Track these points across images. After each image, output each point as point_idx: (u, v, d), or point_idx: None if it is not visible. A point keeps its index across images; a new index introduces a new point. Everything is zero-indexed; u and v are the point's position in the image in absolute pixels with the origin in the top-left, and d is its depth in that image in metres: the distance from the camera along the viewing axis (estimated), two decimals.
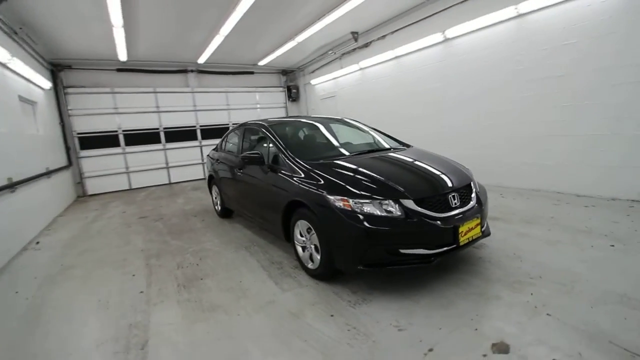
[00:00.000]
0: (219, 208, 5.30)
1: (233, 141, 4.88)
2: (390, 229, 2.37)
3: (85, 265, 3.80)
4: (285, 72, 11.49)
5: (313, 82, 10.54)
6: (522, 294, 2.42)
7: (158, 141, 9.70)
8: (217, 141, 10.78)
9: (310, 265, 2.95)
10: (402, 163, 3.07)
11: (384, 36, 7.50)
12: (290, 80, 11.68)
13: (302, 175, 2.97)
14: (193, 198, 7.37)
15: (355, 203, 2.46)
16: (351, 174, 2.78)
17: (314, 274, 2.91)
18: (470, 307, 2.32)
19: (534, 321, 2.10)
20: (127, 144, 9.26)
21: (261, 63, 9.91)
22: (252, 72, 10.87)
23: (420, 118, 7.02)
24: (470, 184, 2.87)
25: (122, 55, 7.77)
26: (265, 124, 3.91)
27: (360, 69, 8.43)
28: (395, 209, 2.42)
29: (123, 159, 9.27)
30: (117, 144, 9.15)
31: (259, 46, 8.36)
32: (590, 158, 4.50)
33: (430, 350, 1.93)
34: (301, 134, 4.15)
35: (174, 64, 9.40)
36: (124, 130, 9.17)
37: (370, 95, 8.30)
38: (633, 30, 3.91)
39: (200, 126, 10.25)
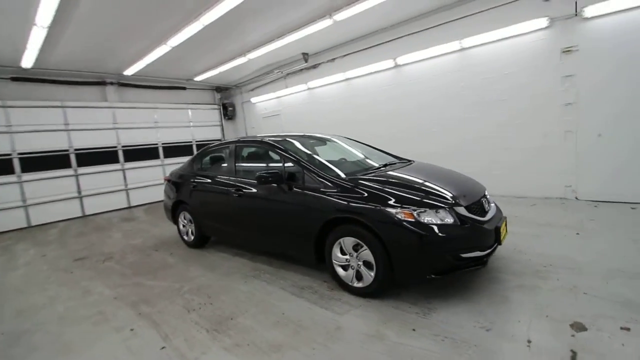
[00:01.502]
0: (192, 237, 4.64)
1: (216, 161, 4.40)
2: (453, 235, 2.49)
3: (45, 327, 2.85)
4: (219, 89, 10.92)
5: (254, 100, 10.28)
6: (551, 280, 2.81)
7: (68, 165, 7.98)
8: (145, 163, 9.64)
9: (357, 284, 2.84)
10: (432, 173, 3.27)
11: (333, 59, 7.89)
12: (225, 98, 11.14)
13: (337, 191, 2.89)
14: (132, 230, 6.25)
15: (417, 214, 2.52)
16: (395, 185, 2.83)
17: (364, 292, 2.81)
18: (525, 298, 2.58)
19: (580, 300, 2.47)
20: (25, 170, 7.36)
21: (198, 78, 9.23)
22: (184, 88, 10.00)
23: (373, 137, 7.52)
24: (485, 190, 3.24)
25: (28, 61, 6.27)
26: (272, 142, 3.66)
27: (309, 88, 8.63)
28: (451, 217, 2.56)
29: (19, 189, 7.30)
30: (11, 171, 7.19)
31: (204, 61, 7.81)
32: (527, 166, 5.53)
33: (529, 342, 2.08)
34: (312, 151, 3.96)
35: (91, 74, 8.00)
36: (19, 154, 7.28)
37: (319, 115, 8.53)
38: (548, 66, 5.07)
39: (123, 146, 8.85)
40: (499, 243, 2.76)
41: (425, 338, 2.23)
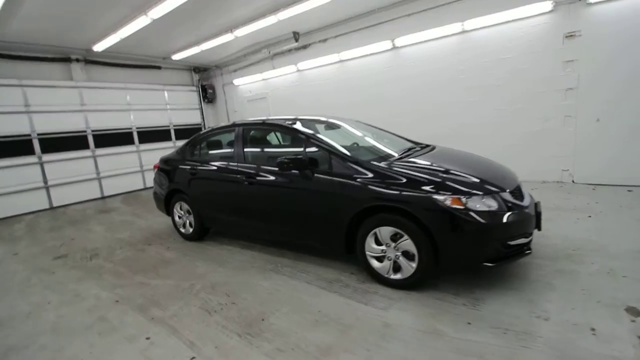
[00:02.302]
0: (190, 229, 4.25)
1: (219, 147, 4.00)
2: (501, 222, 2.37)
3: (38, 341, 2.43)
4: (197, 70, 10.17)
5: (237, 82, 9.67)
6: (586, 264, 2.80)
7: (31, 152, 7.10)
8: (119, 149, 8.79)
9: (394, 276, 2.67)
10: (464, 159, 3.12)
11: (325, 39, 7.52)
12: (204, 79, 10.41)
13: (371, 177, 2.67)
14: (114, 223, 5.69)
15: (466, 200, 2.37)
16: (435, 171, 2.66)
17: (402, 285, 2.65)
18: (568, 284, 2.54)
19: (623, 284, 2.46)
20: None
21: (176, 57, 8.48)
22: (159, 67, 9.20)
23: (368, 121, 7.32)
24: None
25: None
26: (287, 124, 3.34)
27: (299, 70, 8.22)
28: (498, 202, 2.44)
29: None
30: None
31: (186, 37, 7.14)
32: (525, 150, 5.60)
33: (593, 329, 2.02)
34: (332, 134, 3.67)
35: (54, 49, 7.06)
36: None
37: (311, 97, 8.18)
38: (549, 50, 5.08)
39: (93, 131, 8.02)
40: (539, 229, 2.70)
41: (484, 332, 2.11)
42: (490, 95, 5.74)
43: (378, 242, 2.71)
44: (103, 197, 8.15)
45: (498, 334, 2.08)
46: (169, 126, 9.53)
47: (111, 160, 8.30)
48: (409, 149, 3.39)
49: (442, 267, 2.47)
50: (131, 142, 8.74)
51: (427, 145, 3.67)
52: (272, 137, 3.98)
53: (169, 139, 9.54)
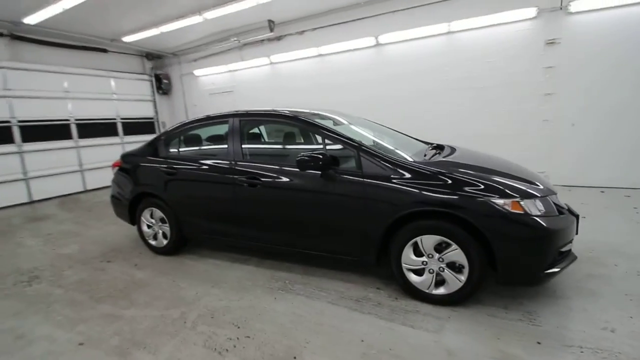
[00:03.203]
0: (165, 241, 3.52)
1: (205, 142, 3.35)
2: (558, 226, 2.18)
3: None
4: (150, 56, 9.00)
5: (197, 72, 8.74)
6: (610, 266, 2.77)
7: None
8: (53, 144, 7.31)
9: (436, 291, 2.36)
10: (496, 160, 2.91)
11: (302, 31, 7.07)
12: (159, 68, 9.27)
13: (412, 178, 2.33)
14: (54, 234, 4.63)
15: (525, 204, 2.13)
16: (478, 172, 2.40)
17: (446, 300, 2.35)
18: (607, 289, 2.45)
19: None
20: None
21: (128, 39, 7.35)
22: (104, 50, 7.92)
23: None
24: None
25: None
26: (297, 115, 2.85)
27: (272, 63, 7.64)
28: (551, 206, 2.25)
29: None
30: None
31: (142, 15, 6.17)
32: (505, 153, 5.71)
33: None
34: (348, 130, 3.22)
35: None
36: None
37: (285, 94, 7.64)
38: (531, 56, 5.26)
39: (20, 122, 6.58)
40: (577, 232, 2.58)
41: (560, 352, 1.87)
42: (473, 97, 5.80)
43: (417, 253, 2.37)
44: (32, 202, 6.73)
45: (575, 352, 1.86)
46: (115, 119, 8.27)
47: (43, 158, 6.91)
48: (433, 149, 3.13)
49: (500, 279, 2.20)
50: (68, 136, 7.40)
51: (442, 146, 3.44)
52: (280, 131, 3.44)
53: (115, 133, 8.28)
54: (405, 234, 2.36)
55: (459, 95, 5.90)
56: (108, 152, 7.91)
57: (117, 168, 3.82)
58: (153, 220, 3.57)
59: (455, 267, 2.29)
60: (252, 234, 3.01)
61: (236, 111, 3.17)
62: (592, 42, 4.83)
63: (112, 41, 7.51)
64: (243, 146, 3.03)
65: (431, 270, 2.35)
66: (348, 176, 2.50)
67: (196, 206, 3.26)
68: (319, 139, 2.76)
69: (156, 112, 9.20)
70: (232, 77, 8.39)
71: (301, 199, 2.68)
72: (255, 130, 3.56)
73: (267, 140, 3.69)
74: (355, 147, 2.54)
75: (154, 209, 3.51)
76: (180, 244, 3.55)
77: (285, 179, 2.72)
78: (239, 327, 2.28)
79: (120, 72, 8.36)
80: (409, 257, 2.39)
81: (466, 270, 2.24)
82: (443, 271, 2.32)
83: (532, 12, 5.04)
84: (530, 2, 5.05)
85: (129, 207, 3.67)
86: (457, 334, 2.09)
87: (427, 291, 2.39)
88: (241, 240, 3.10)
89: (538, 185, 2.35)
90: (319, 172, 2.55)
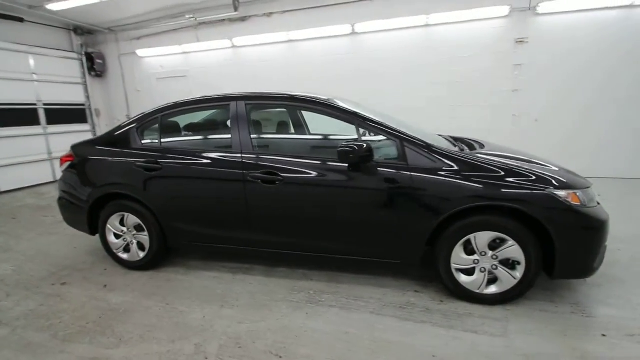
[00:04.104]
0: (141, 254, 2.84)
1: (198, 130, 2.76)
2: (607, 217, 2.17)
3: None
4: (80, 31, 7.52)
5: (142, 53, 7.55)
6: (614, 252, 2.91)
7: None
8: None
9: (488, 290, 2.21)
10: (523, 153, 2.84)
11: (270, 13, 6.49)
12: (91, 45, 7.81)
13: (462, 170, 2.14)
14: None
15: (580, 195, 2.07)
16: (522, 163, 2.29)
17: (497, 299, 2.21)
18: (627, 275, 2.55)
19: None
20: None
21: (52, 6, 5.97)
22: (21, 20, 6.35)
23: None
24: None
25: None
26: (317, 99, 2.46)
27: (234, 46, 6.91)
28: (594, 196, 2.24)
29: None
30: None
31: None
32: None
33: None
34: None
35: None
36: None
37: (250, 81, 6.94)
38: (502, 53, 5.52)
39: None
40: None
41: (628, 342, 1.85)
42: (449, 91, 5.91)
43: (467, 251, 2.19)
44: None
45: None
46: (36, 105, 6.74)
47: None
48: (458, 140, 2.99)
49: (557, 274, 2.12)
50: None
51: (463, 139, 3.33)
52: (297, 118, 2.98)
53: (36, 122, 6.76)
54: (457, 232, 2.16)
55: (436, 89, 5.96)
56: (27, 145, 6.47)
57: (67, 163, 2.98)
58: (124, 229, 2.86)
59: (508, 264, 2.16)
60: (268, 240, 2.55)
61: (240, 93, 2.64)
62: (558, 43, 5.21)
63: (30, 8, 6.03)
64: (252, 136, 2.53)
65: (483, 269, 2.20)
66: (391, 169, 2.21)
67: (189, 210, 2.67)
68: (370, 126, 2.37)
69: (88, 97, 7.76)
70: (186, 60, 7.43)
71: (335, 196, 2.31)
72: (266, 117, 3.07)
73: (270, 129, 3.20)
74: (399, 136, 2.25)
75: (126, 214, 2.81)
76: (161, 256, 2.91)
77: (315, 174, 2.32)
78: (280, 357, 1.85)
79: (42, 47, 6.81)
80: (459, 256, 2.20)
81: (522, 267, 2.12)
82: (496, 269, 2.18)
83: (505, 10, 5.26)
84: (503, 0, 5.27)
85: (89, 213, 2.89)
86: (524, 335, 1.96)
87: (477, 291, 2.23)
88: (252, 247, 2.61)
89: (580, 177, 2.33)
90: (358, 166, 2.21)
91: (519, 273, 2.14)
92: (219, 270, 2.88)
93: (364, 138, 2.54)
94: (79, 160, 2.93)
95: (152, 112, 2.85)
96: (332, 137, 2.86)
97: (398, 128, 2.29)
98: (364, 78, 6.31)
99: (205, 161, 2.55)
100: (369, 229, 2.31)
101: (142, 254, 2.86)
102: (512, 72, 5.55)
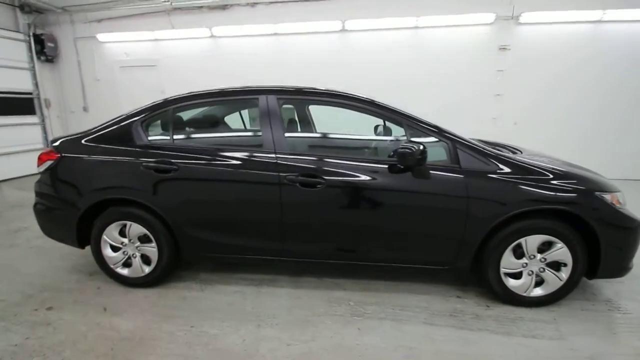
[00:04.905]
0: (146, 268, 2.45)
1: (214, 125, 2.43)
2: None
3: None
4: (27, 8, 6.47)
5: (103, 37, 6.72)
6: None
7: None
8: None
9: (534, 293, 2.21)
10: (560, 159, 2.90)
11: (254, 3, 6.14)
12: (41, 26, 6.77)
13: (513, 173, 2.12)
14: None
15: (619, 197, 2.16)
16: (563, 166, 2.34)
17: (543, 301, 2.23)
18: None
19: None
20: None
21: None
22: None
23: None
24: None
25: None
26: (361, 97, 2.30)
27: (213, 36, 6.42)
28: (624, 200, 2.35)
29: None
30: None
31: None
32: None
33: None
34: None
35: None
36: None
37: (230, 73, 6.47)
38: (486, 59, 5.76)
39: None
40: None
41: None
42: (435, 93, 6.04)
43: (523, 255, 2.18)
44: None
45: None
46: None
47: None
48: (492, 144, 2.99)
49: (600, 274, 2.18)
50: None
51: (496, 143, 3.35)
52: (294, 115, 2.75)
53: None
54: (509, 235, 2.13)
55: (422, 90, 6.06)
56: None
57: (47, 162, 2.47)
58: (124, 240, 2.44)
59: (554, 266, 2.19)
60: (303, 249, 2.32)
61: (269, 86, 2.38)
62: (537, 51, 5.57)
63: None
64: (287, 135, 2.28)
65: (530, 272, 2.20)
66: (444, 172, 2.13)
67: (210, 217, 2.34)
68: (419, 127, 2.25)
69: (37, 85, 6.73)
70: (157, 48, 6.76)
71: (385, 201, 2.16)
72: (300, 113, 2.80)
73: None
74: (452, 138, 2.17)
75: (128, 222, 2.40)
76: (170, 270, 2.54)
77: (363, 177, 2.15)
78: None
79: None
80: (509, 260, 2.18)
81: (568, 269, 2.15)
82: (543, 271, 2.19)
83: (491, 17, 5.50)
84: (490, 8, 5.50)
85: (78, 222, 2.43)
86: (578, 336, 1.98)
87: (524, 294, 2.23)
88: (283, 257, 2.36)
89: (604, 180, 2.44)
90: (411, 168, 2.09)
91: (564, 274, 2.17)
92: (238, 283, 2.59)
93: (391, 139, 2.46)
94: (65, 159, 2.44)
95: (161, 103, 2.46)
96: (371, 138, 2.71)
97: (450, 130, 2.21)
98: (350, 75, 6.21)
99: (233, 162, 2.25)
100: (421, 234, 2.20)
101: (147, 269, 2.46)
102: (495, 77, 5.83)
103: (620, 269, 2.22)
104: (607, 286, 2.50)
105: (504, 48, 5.69)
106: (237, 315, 2.21)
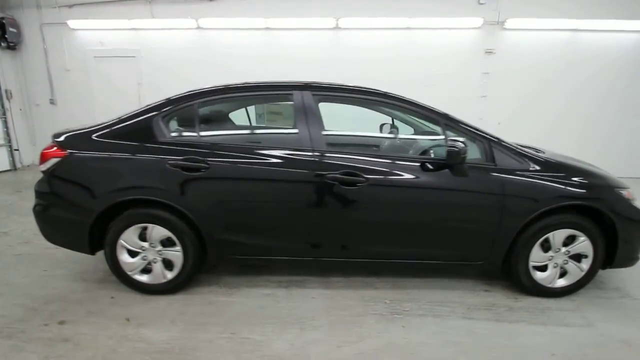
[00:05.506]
0: (168, 274, 2.28)
1: (245, 123, 2.30)
2: None
3: None
4: None
5: (74, 24, 6.14)
6: None
7: None
8: None
9: (559, 284, 2.35)
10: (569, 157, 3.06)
11: None
12: (1, 8, 6.05)
13: (542, 170, 2.24)
14: None
15: (632, 193, 2.34)
16: (583, 164, 2.50)
17: (566, 291, 2.37)
18: None
19: None
20: None
21: None
22: None
23: None
24: None
25: None
26: (400, 96, 2.30)
27: (200, 27, 6.10)
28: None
29: None
30: None
31: None
32: None
33: None
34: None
35: None
36: None
37: (217, 69, 6.20)
38: (473, 62, 6.01)
39: None
40: None
41: None
42: (425, 92, 6.13)
43: (550, 248, 2.29)
44: None
45: None
46: None
47: None
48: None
49: (615, 264, 2.35)
50: None
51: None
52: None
53: None
54: (539, 230, 2.24)
55: (412, 89, 6.11)
56: None
57: (52, 160, 2.21)
58: (144, 244, 2.26)
59: (576, 258, 2.33)
60: (342, 248, 2.28)
61: (304, 81, 2.31)
62: (521, 56, 5.89)
63: None
64: (324, 133, 2.22)
65: (555, 264, 2.32)
66: (481, 170, 2.19)
67: (243, 218, 2.23)
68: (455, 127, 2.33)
69: None
70: (136, 38, 6.31)
71: (426, 198, 2.18)
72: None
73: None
74: (487, 137, 2.25)
75: (149, 225, 2.21)
76: (194, 275, 2.39)
77: (404, 175, 2.15)
78: None
79: None
80: (538, 254, 2.29)
81: (589, 260, 2.31)
82: (567, 264, 2.32)
83: (479, 21, 5.73)
84: (478, 12, 5.73)
85: (91, 227, 2.20)
86: (605, 322, 2.13)
87: (549, 285, 2.35)
88: (319, 257, 2.31)
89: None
90: (451, 166, 2.13)
91: (585, 265, 2.32)
92: (266, 285, 2.49)
93: (427, 138, 2.50)
94: (74, 157, 2.21)
95: (185, 97, 2.29)
96: (407, 136, 2.72)
97: (484, 129, 2.28)
98: (343, 74, 6.19)
99: (270, 160, 2.16)
100: (460, 231, 2.25)
101: (170, 275, 2.29)
102: (481, 80, 6.10)
103: (630, 259, 2.41)
104: (612, 275, 2.71)
105: (489, 52, 5.97)
106: (274, 319, 2.13)
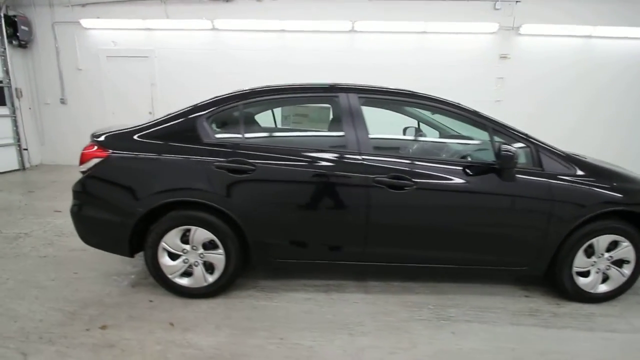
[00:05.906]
0: (209, 278, 2.24)
1: (293, 124, 2.31)
2: None
3: None
4: None
5: (87, 23, 6.09)
6: None
7: None
8: None
9: (600, 289, 2.34)
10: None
11: None
12: (14, 6, 5.97)
13: (586, 175, 2.24)
14: None
15: None
16: (621, 169, 2.51)
17: (607, 297, 2.37)
18: None
19: None
20: None
21: None
22: None
23: None
24: None
25: None
26: (447, 100, 2.31)
27: (215, 29, 6.07)
28: None
29: None
30: None
31: None
32: None
33: None
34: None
35: None
36: None
37: (233, 70, 6.16)
38: (487, 66, 6.04)
39: None
40: None
41: None
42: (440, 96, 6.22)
43: (593, 253, 2.29)
44: None
45: None
46: None
47: None
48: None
49: None
50: None
51: None
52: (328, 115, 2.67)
53: None
54: (583, 236, 2.23)
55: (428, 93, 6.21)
56: None
57: (94, 160, 2.17)
58: (186, 247, 2.22)
59: (618, 264, 2.33)
60: (387, 252, 2.26)
61: (349, 84, 2.30)
62: (536, 62, 5.93)
63: None
64: (370, 135, 2.21)
65: (598, 270, 2.32)
66: (528, 176, 2.18)
67: (288, 221, 2.20)
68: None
69: (7, 72, 5.94)
70: (150, 38, 6.27)
71: (474, 203, 2.17)
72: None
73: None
74: (535, 143, 2.25)
75: (192, 227, 2.18)
76: (235, 279, 2.35)
77: (453, 180, 2.14)
78: None
79: None
80: (581, 259, 2.28)
81: (631, 265, 2.30)
82: (609, 269, 2.32)
83: (494, 26, 5.77)
84: (493, 17, 5.77)
85: (133, 229, 2.16)
86: None
87: (591, 291, 2.35)
88: (363, 261, 2.28)
89: None
90: (500, 171, 2.12)
91: (627, 270, 2.32)
92: (304, 290, 2.46)
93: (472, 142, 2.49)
94: (115, 157, 2.17)
95: (229, 98, 2.26)
96: (452, 141, 2.72)
97: (532, 135, 2.28)
98: (355, 76, 6.20)
99: (318, 162, 2.13)
100: (508, 236, 2.24)
101: (211, 278, 2.25)
102: (495, 84, 6.13)
103: None
104: None
105: (504, 57, 6.00)
106: (321, 324, 2.09)
